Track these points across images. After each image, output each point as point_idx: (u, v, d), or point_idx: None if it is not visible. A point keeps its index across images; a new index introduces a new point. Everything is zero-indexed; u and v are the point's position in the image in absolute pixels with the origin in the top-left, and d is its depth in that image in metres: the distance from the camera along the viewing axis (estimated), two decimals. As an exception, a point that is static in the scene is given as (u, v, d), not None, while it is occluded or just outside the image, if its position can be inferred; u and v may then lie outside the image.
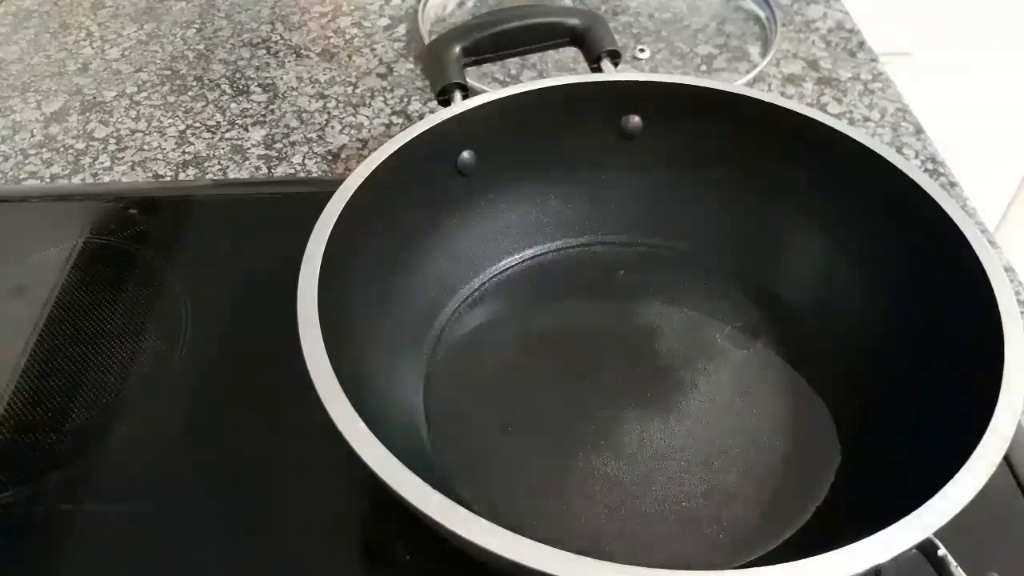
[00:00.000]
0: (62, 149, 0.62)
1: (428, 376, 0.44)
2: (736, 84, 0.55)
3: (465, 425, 0.42)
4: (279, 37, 0.73)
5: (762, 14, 0.73)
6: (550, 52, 0.62)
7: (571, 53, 0.65)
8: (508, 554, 0.26)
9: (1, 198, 0.57)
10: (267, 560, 0.37)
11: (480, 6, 0.76)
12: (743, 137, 0.46)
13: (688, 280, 0.48)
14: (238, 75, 0.69)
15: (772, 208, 0.47)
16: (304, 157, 0.60)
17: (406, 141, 0.43)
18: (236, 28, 0.74)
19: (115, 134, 0.63)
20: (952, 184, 0.56)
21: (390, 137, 0.44)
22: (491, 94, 0.46)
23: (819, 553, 0.26)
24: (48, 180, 0.59)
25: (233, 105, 0.65)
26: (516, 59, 0.64)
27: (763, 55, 0.68)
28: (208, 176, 0.59)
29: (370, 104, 0.65)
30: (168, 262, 0.51)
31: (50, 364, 0.45)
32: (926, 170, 0.58)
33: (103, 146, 0.62)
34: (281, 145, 0.62)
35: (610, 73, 0.49)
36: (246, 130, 0.63)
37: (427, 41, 0.68)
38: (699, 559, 0.37)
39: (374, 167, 0.41)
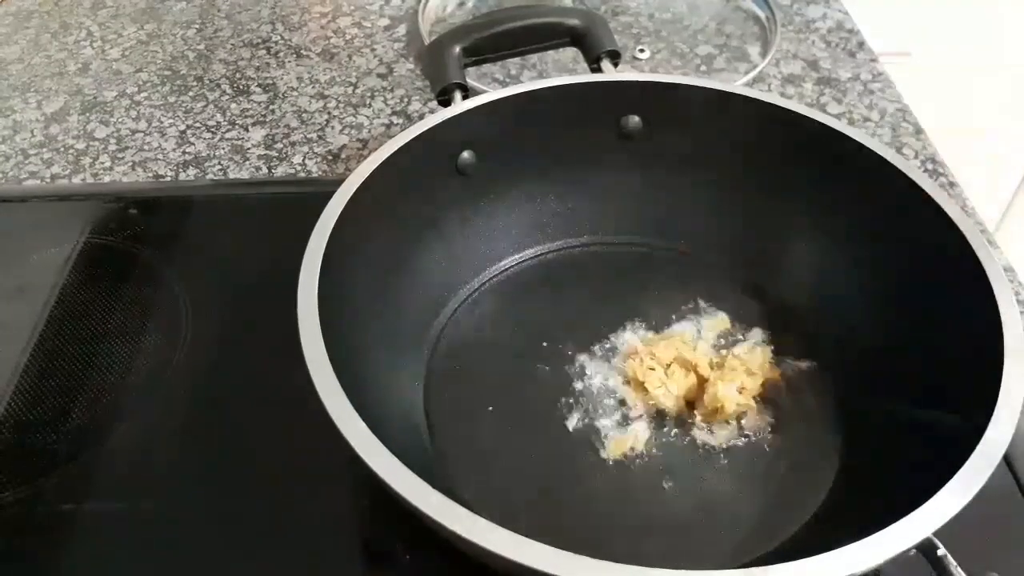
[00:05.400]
0: (62, 149, 0.62)
1: (428, 375, 0.44)
2: (736, 84, 0.55)
3: (465, 425, 0.42)
4: (279, 37, 0.73)
5: (762, 14, 0.73)
6: (550, 52, 0.62)
7: (571, 53, 0.65)
8: (508, 554, 0.26)
9: (2, 198, 0.57)
10: (267, 560, 0.37)
11: (480, 6, 0.76)
12: (743, 137, 0.47)
13: (688, 280, 0.48)
14: (238, 75, 0.69)
15: (772, 208, 0.47)
16: (304, 157, 0.60)
17: (406, 141, 0.43)
18: (236, 28, 0.75)
19: (115, 134, 0.63)
20: (952, 184, 0.57)
21: (390, 137, 0.44)
22: (491, 94, 0.46)
23: (819, 553, 0.26)
24: (48, 180, 0.59)
25: (233, 105, 0.65)
26: (516, 59, 0.64)
27: (763, 55, 0.68)
28: (208, 176, 0.59)
29: (370, 104, 0.65)
30: (168, 262, 0.51)
31: (50, 364, 0.45)
32: (926, 170, 0.58)
33: (103, 146, 0.62)
34: (281, 145, 0.62)
35: (610, 73, 0.49)
36: (246, 130, 0.63)
37: (427, 41, 0.68)
38: (699, 559, 0.37)
39: (374, 167, 0.41)
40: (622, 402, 0.42)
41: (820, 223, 0.46)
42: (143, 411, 0.43)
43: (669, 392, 0.42)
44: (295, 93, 0.67)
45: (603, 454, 0.40)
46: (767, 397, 0.42)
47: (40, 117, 0.65)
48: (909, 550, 0.27)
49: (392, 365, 0.42)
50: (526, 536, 0.27)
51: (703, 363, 0.42)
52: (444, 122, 0.44)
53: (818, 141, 0.44)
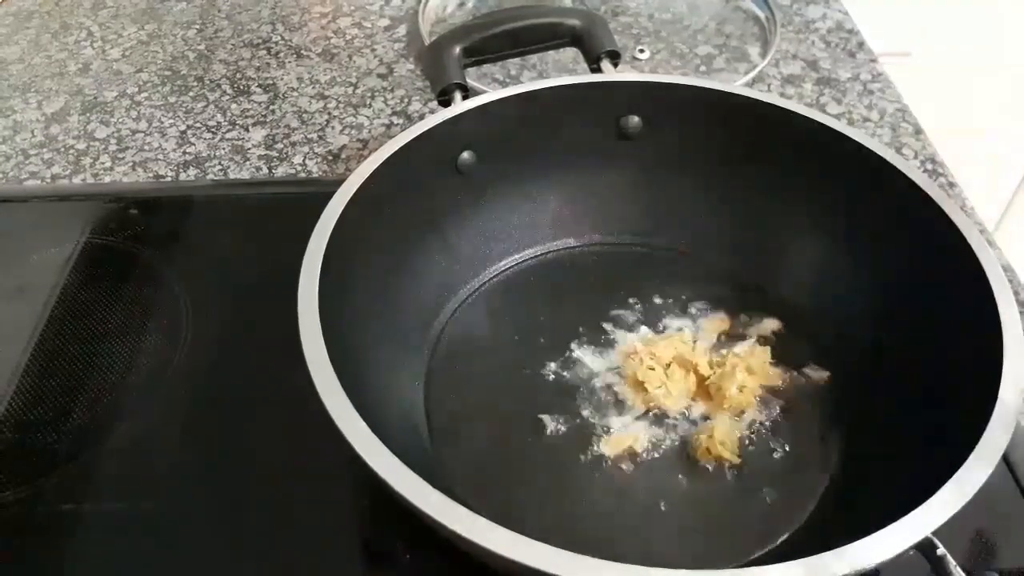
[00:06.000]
0: (63, 149, 0.62)
1: (428, 376, 0.44)
2: (736, 84, 0.55)
3: (465, 425, 0.42)
4: (280, 38, 0.73)
5: (762, 14, 0.73)
6: (550, 52, 0.62)
7: (571, 53, 0.65)
8: (508, 553, 0.26)
9: (2, 198, 0.57)
10: (267, 560, 0.37)
11: (480, 6, 0.76)
12: (743, 137, 0.47)
13: (688, 280, 0.48)
14: (239, 75, 0.69)
15: (771, 208, 0.47)
16: (305, 157, 0.61)
17: (406, 141, 0.43)
18: (237, 28, 0.75)
19: (116, 134, 0.63)
20: (951, 184, 0.57)
21: (390, 137, 0.44)
22: (491, 94, 0.46)
23: (819, 553, 0.26)
24: (49, 180, 0.59)
25: (234, 105, 0.65)
26: (516, 59, 0.64)
27: (763, 55, 0.68)
28: (209, 176, 0.59)
29: (370, 104, 0.65)
30: (168, 262, 0.51)
31: (51, 364, 0.45)
32: (925, 170, 0.58)
33: (104, 146, 0.62)
34: (282, 145, 0.62)
35: (610, 73, 0.49)
36: (247, 130, 0.63)
37: (427, 41, 0.68)
38: (699, 558, 0.37)
39: (375, 167, 0.41)
40: (622, 402, 0.42)
41: (820, 223, 0.46)
42: (143, 411, 0.43)
43: (669, 392, 0.42)
44: (295, 93, 0.67)
45: (603, 454, 0.40)
46: (767, 396, 0.42)
47: (40, 117, 0.65)
48: (909, 550, 0.27)
49: (392, 365, 0.42)
50: (526, 536, 0.27)
51: (703, 363, 0.43)
52: (444, 122, 0.44)
53: (818, 141, 0.44)
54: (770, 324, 0.46)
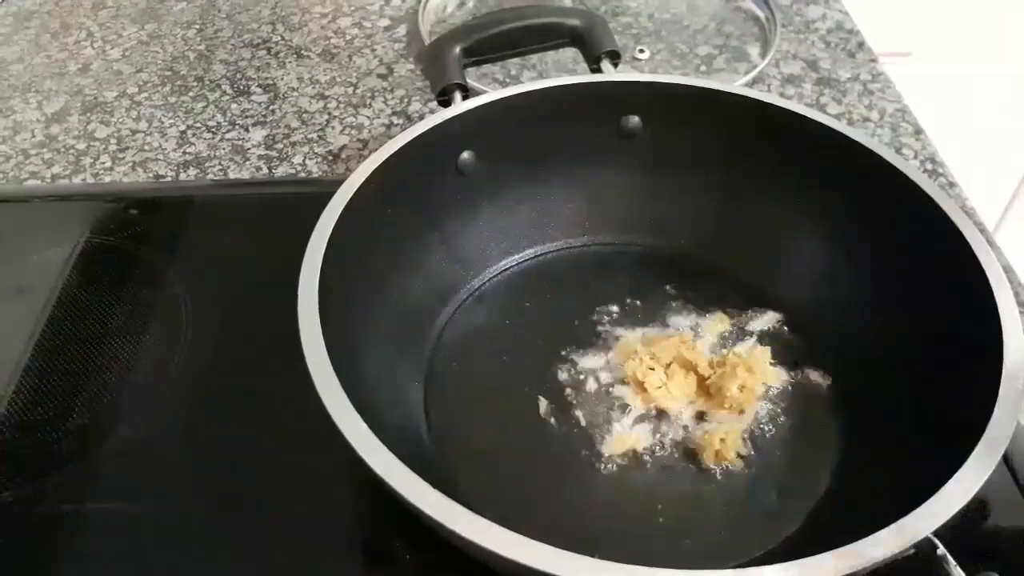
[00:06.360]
0: (63, 149, 0.62)
1: (428, 376, 0.44)
2: (735, 84, 0.55)
3: (465, 425, 0.42)
4: (280, 38, 0.73)
5: (762, 14, 0.73)
6: (550, 52, 0.62)
7: (571, 53, 0.65)
8: (508, 553, 0.26)
9: (2, 198, 0.57)
10: (267, 560, 0.37)
11: (480, 6, 0.76)
12: (743, 137, 0.47)
13: (688, 280, 0.48)
14: (239, 75, 0.69)
15: (771, 208, 0.47)
16: (305, 157, 0.61)
17: (406, 141, 0.43)
18: (237, 29, 0.75)
19: (116, 134, 0.63)
20: (951, 184, 0.57)
21: (390, 137, 0.44)
22: (491, 94, 0.46)
23: (818, 552, 0.26)
24: (49, 180, 0.59)
25: (234, 105, 0.65)
26: (516, 59, 0.64)
27: (763, 55, 0.68)
28: (209, 176, 0.59)
29: (370, 104, 0.65)
30: (169, 262, 0.51)
31: (51, 364, 0.45)
32: (925, 170, 0.58)
33: (104, 146, 0.62)
34: (282, 145, 0.62)
35: (610, 73, 0.49)
36: (247, 130, 0.63)
37: (427, 41, 0.68)
38: (699, 558, 0.37)
39: (374, 167, 0.41)
40: (622, 403, 0.42)
41: (820, 223, 0.46)
42: (143, 411, 0.43)
43: (669, 392, 0.42)
44: (295, 93, 0.67)
45: (603, 454, 0.40)
46: (767, 396, 0.42)
47: (41, 117, 0.65)
48: (908, 550, 0.27)
49: (392, 365, 0.42)
50: (526, 536, 0.27)
51: (703, 363, 0.43)
52: (444, 122, 0.44)
53: (818, 141, 0.44)
54: (770, 323, 0.46)
